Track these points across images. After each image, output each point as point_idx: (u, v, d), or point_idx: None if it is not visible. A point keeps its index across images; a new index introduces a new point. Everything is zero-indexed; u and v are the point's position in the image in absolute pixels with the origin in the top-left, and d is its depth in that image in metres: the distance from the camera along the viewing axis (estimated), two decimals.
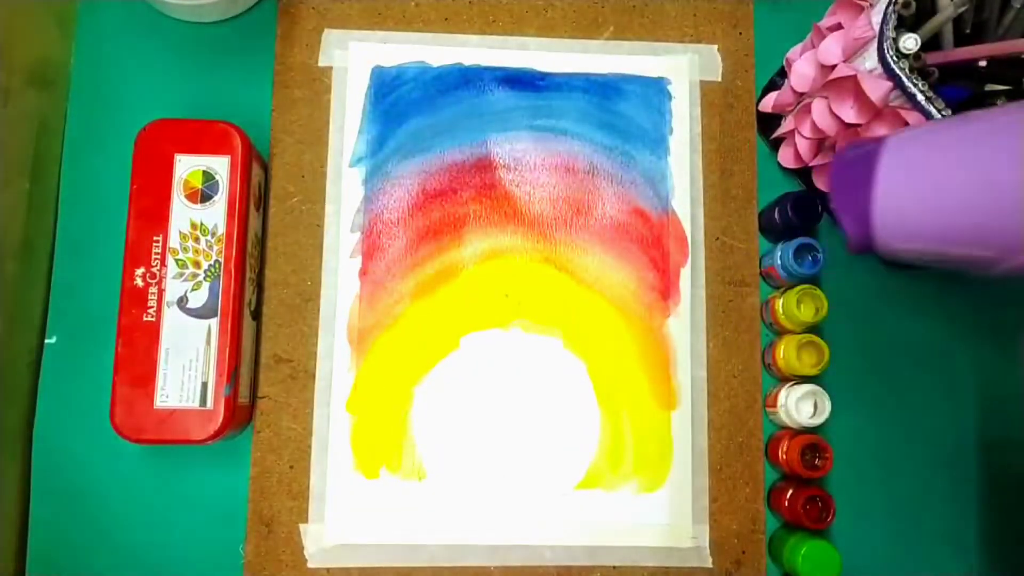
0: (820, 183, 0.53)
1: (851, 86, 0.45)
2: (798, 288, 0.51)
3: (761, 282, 0.55)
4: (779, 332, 0.54)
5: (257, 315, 0.52)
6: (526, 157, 0.55)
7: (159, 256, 0.48)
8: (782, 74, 0.55)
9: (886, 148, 0.36)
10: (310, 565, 0.50)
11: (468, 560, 0.51)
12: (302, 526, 0.50)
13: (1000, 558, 0.53)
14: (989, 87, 0.47)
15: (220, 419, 0.47)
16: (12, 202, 0.50)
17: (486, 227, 0.54)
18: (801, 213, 0.51)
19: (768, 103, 0.54)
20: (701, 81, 0.57)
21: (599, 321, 0.53)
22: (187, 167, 0.49)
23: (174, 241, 0.48)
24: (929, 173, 0.34)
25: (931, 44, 0.44)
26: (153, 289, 0.47)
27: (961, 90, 0.46)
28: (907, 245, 0.36)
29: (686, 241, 0.54)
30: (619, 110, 0.56)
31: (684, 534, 0.51)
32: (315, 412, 0.52)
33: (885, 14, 0.42)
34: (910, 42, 0.42)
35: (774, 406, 0.52)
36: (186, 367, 0.47)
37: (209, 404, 0.47)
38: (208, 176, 0.49)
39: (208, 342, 0.47)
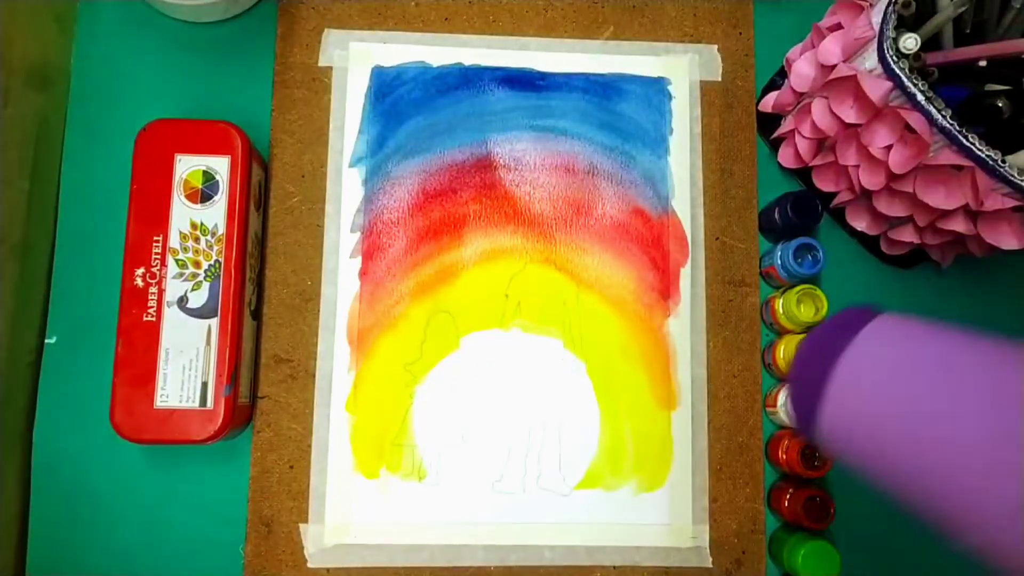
0: (820, 183, 0.53)
1: (851, 86, 0.45)
2: (798, 288, 0.51)
3: (761, 282, 0.55)
4: (779, 332, 0.54)
5: (257, 315, 0.52)
6: (526, 157, 0.55)
7: (159, 256, 0.48)
8: (782, 74, 0.55)
9: (869, 324, 0.32)
10: (310, 565, 0.50)
11: (468, 560, 0.51)
12: (302, 526, 0.50)
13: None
14: (989, 87, 0.47)
15: (220, 419, 0.47)
16: (12, 202, 0.50)
17: (486, 227, 0.54)
18: (801, 213, 0.51)
19: (768, 103, 0.54)
20: (701, 81, 0.57)
21: (599, 321, 0.53)
22: (187, 167, 0.49)
23: (174, 241, 0.48)
24: (899, 372, 0.30)
25: (931, 44, 0.45)
26: (153, 289, 0.47)
27: (961, 90, 0.46)
28: (845, 437, 0.32)
29: (686, 241, 0.54)
30: (619, 110, 0.56)
31: (684, 534, 0.51)
32: (315, 412, 0.52)
33: (885, 14, 0.42)
34: (910, 42, 0.42)
35: (774, 406, 0.52)
36: (186, 367, 0.47)
37: (209, 404, 0.47)
38: (208, 176, 0.49)
39: (208, 342, 0.47)
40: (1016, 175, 0.41)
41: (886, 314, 0.32)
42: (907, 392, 0.28)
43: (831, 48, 0.46)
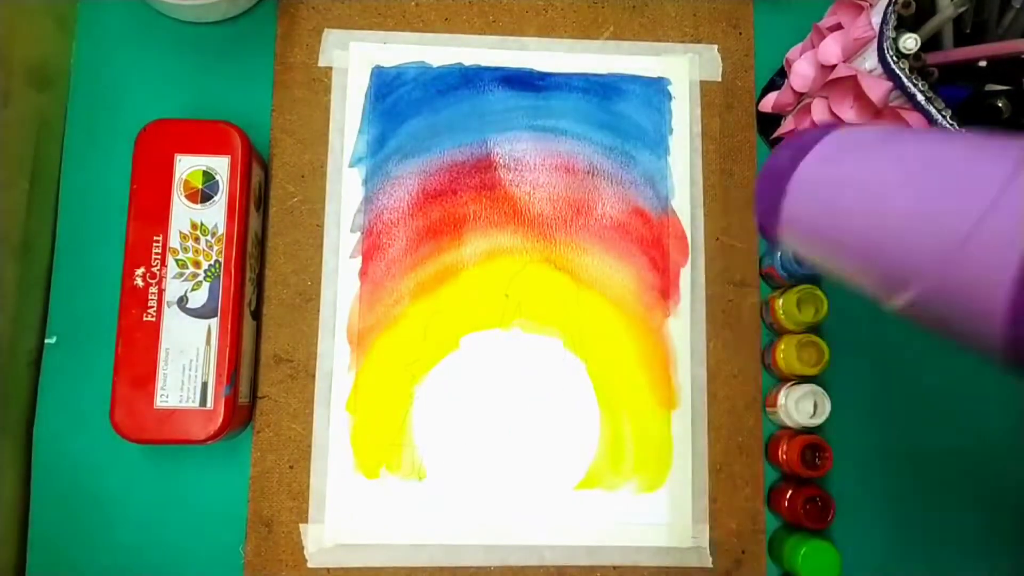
0: None
1: (851, 86, 0.45)
2: (798, 288, 0.51)
3: (761, 282, 0.55)
4: (779, 332, 0.54)
5: (257, 315, 0.52)
6: (526, 157, 0.55)
7: (159, 256, 0.48)
8: (782, 74, 0.55)
9: (826, 136, 0.34)
10: (310, 565, 0.50)
11: (468, 560, 0.51)
12: (302, 526, 0.50)
13: (1000, 558, 0.53)
14: (989, 87, 0.47)
15: (220, 419, 0.47)
16: (12, 202, 0.50)
17: (486, 227, 0.54)
18: None
19: (768, 103, 0.54)
20: (701, 81, 0.57)
21: (599, 321, 0.53)
22: (187, 167, 0.49)
23: (174, 241, 0.48)
24: (842, 177, 0.32)
25: (931, 44, 0.44)
26: (153, 289, 0.48)
27: (961, 90, 0.46)
28: (803, 244, 0.35)
29: (686, 241, 0.54)
30: (619, 110, 0.56)
31: (684, 534, 0.51)
32: (315, 412, 0.52)
33: (885, 14, 0.42)
34: (910, 42, 0.42)
35: (774, 406, 0.52)
36: (186, 367, 0.47)
37: (209, 404, 0.47)
38: (208, 176, 0.49)
39: (208, 342, 0.47)
40: None
41: (845, 127, 0.35)
42: (855, 171, 0.31)
43: (831, 48, 0.46)
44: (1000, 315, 0.24)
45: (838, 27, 0.47)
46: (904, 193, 0.29)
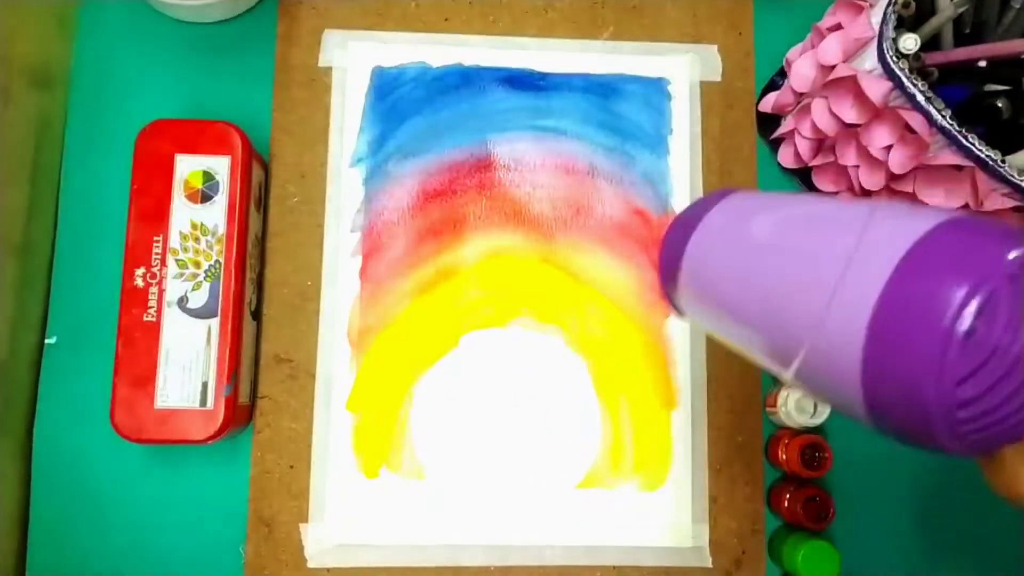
0: (820, 183, 0.53)
1: (851, 86, 0.45)
2: None
3: None
4: None
5: (257, 315, 0.52)
6: (526, 157, 0.55)
7: (159, 256, 0.48)
8: (782, 74, 0.55)
9: (723, 199, 0.35)
10: (310, 565, 0.50)
11: (468, 560, 0.51)
12: (302, 526, 0.50)
13: (999, 558, 0.53)
14: (989, 87, 0.47)
15: (220, 419, 0.47)
16: (12, 202, 0.50)
17: (486, 227, 0.54)
18: None
19: (768, 103, 0.54)
20: (701, 81, 0.57)
21: (599, 321, 0.53)
22: (187, 167, 0.49)
23: (174, 241, 0.48)
24: (748, 233, 0.32)
25: (931, 44, 0.45)
26: (153, 289, 0.48)
27: (961, 90, 0.46)
28: (698, 298, 0.34)
29: None
30: (619, 110, 0.56)
31: (684, 533, 0.51)
32: (315, 412, 0.52)
33: (885, 14, 0.42)
34: (910, 42, 0.42)
35: (774, 406, 0.52)
36: (186, 367, 0.47)
37: (209, 404, 0.47)
38: (208, 176, 0.49)
39: (208, 342, 0.47)
40: (1016, 175, 0.41)
41: (740, 190, 0.36)
42: (745, 237, 0.32)
43: (831, 48, 0.46)
44: (855, 385, 0.25)
45: (838, 27, 0.47)
46: (774, 263, 0.29)
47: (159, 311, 0.47)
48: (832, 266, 0.26)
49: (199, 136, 0.49)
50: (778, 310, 0.28)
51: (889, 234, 0.25)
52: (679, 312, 0.37)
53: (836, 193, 0.51)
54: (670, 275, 0.35)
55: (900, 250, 0.24)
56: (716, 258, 0.33)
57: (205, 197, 0.49)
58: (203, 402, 0.47)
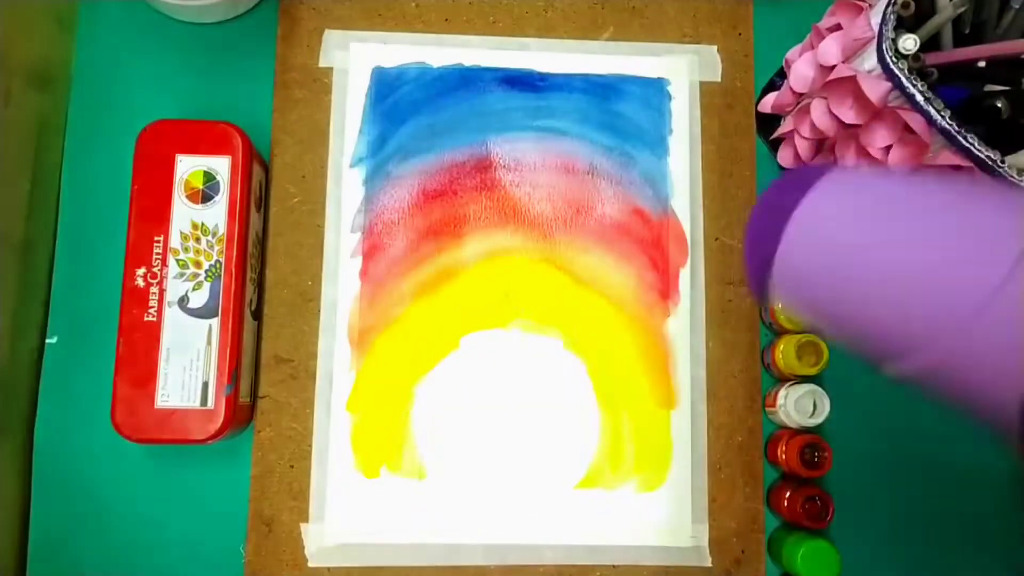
0: None
1: (850, 87, 0.45)
2: None
3: None
4: (778, 332, 0.54)
5: (258, 315, 0.52)
6: (526, 157, 0.55)
7: (160, 256, 0.48)
8: (781, 75, 0.55)
9: (821, 179, 0.32)
10: (311, 564, 0.50)
11: (468, 560, 0.51)
12: (303, 525, 0.50)
13: (999, 558, 0.53)
14: (988, 87, 0.47)
15: (221, 419, 0.47)
16: (13, 202, 0.50)
17: (486, 227, 0.54)
18: None
19: (767, 103, 0.54)
20: (701, 82, 0.57)
21: (599, 321, 0.53)
22: (188, 167, 0.49)
23: (175, 241, 0.48)
24: (852, 219, 0.30)
25: (930, 45, 0.45)
26: (154, 289, 0.48)
27: (960, 90, 0.46)
28: (797, 293, 0.32)
29: (686, 241, 0.55)
30: (619, 110, 0.56)
31: (684, 533, 0.51)
32: (315, 412, 0.52)
33: (884, 15, 0.42)
34: (909, 43, 0.42)
35: (773, 406, 0.52)
36: (187, 367, 0.47)
37: (210, 404, 0.47)
38: (209, 176, 0.49)
39: (209, 342, 0.47)
40: (1016, 175, 0.41)
41: (838, 168, 0.33)
42: (860, 230, 0.30)
43: (830, 49, 0.46)
44: (1018, 394, 0.23)
45: (837, 28, 0.47)
46: (914, 256, 0.27)
47: (160, 311, 0.47)
48: (994, 263, 0.24)
49: (200, 136, 0.49)
50: (908, 302, 0.26)
51: None
52: (764, 299, 0.34)
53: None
54: (761, 264, 0.32)
55: None
56: (830, 248, 0.30)
57: (206, 197, 0.49)
58: (204, 402, 0.47)
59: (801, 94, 0.51)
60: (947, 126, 0.41)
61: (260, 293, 0.53)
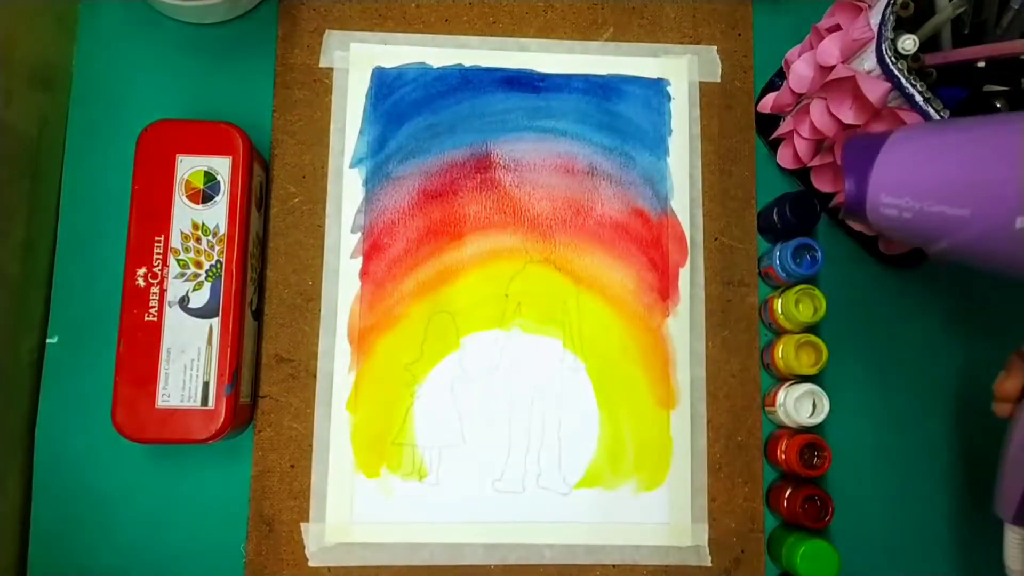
0: (819, 183, 0.53)
1: (850, 87, 0.45)
2: (797, 288, 0.51)
3: (760, 282, 0.55)
4: (778, 332, 0.54)
5: (258, 315, 0.52)
6: (526, 158, 0.55)
7: (160, 256, 0.48)
8: (781, 75, 0.55)
9: (899, 130, 0.39)
10: (311, 564, 0.50)
11: (468, 559, 0.51)
12: (303, 525, 0.51)
13: (998, 558, 0.53)
14: (988, 88, 0.47)
15: (221, 418, 0.47)
16: (14, 202, 0.50)
17: (486, 227, 0.54)
18: (800, 213, 0.51)
19: (767, 104, 0.54)
20: (700, 82, 0.57)
21: (599, 321, 0.53)
22: (188, 167, 0.49)
23: (175, 241, 0.48)
24: (930, 147, 0.38)
25: (929, 45, 0.45)
26: (155, 289, 0.48)
27: (960, 91, 0.46)
28: (893, 199, 0.39)
29: (685, 241, 0.55)
30: (618, 111, 0.56)
31: (683, 533, 0.52)
32: (316, 412, 0.52)
33: (883, 15, 0.42)
34: (908, 43, 0.42)
35: (773, 405, 0.52)
36: (187, 367, 0.47)
37: (210, 404, 0.47)
38: (209, 176, 0.49)
39: (209, 342, 0.48)
40: None
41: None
42: (960, 141, 0.37)
43: (829, 49, 0.46)
44: None
45: (837, 28, 0.47)
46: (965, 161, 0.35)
47: (160, 311, 0.47)
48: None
49: (200, 137, 0.49)
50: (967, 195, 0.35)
51: None
52: (862, 197, 0.39)
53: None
54: (860, 178, 0.39)
55: None
56: (927, 143, 0.38)
57: (206, 197, 0.49)
58: (204, 402, 0.47)
59: (800, 94, 0.51)
60: None
61: (261, 293, 0.53)
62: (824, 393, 0.51)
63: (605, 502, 0.52)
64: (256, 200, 0.52)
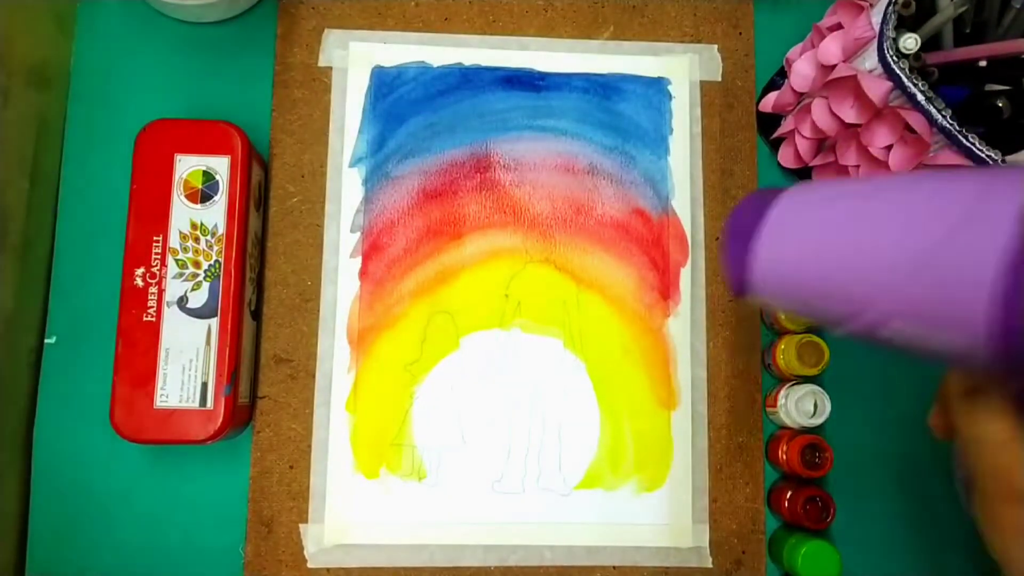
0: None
1: (851, 86, 0.45)
2: None
3: None
4: (779, 332, 0.54)
5: (257, 315, 0.52)
6: (526, 157, 0.55)
7: (159, 256, 0.48)
8: (782, 74, 0.55)
9: (784, 194, 0.36)
10: (310, 565, 0.50)
11: (468, 560, 0.51)
12: (302, 526, 0.50)
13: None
14: (989, 87, 0.47)
15: (220, 419, 0.47)
16: (12, 202, 0.50)
17: (486, 227, 0.54)
18: None
19: (768, 103, 0.54)
20: (701, 81, 0.57)
21: (599, 321, 0.53)
22: (187, 167, 0.49)
23: (174, 241, 0.48)
24: (815, 221, 0.34)
25: (931, 44, 0.45)
26: (153, 289, 0.48)
27: (961, 90, 0.46)
28: (777, 288, 0.36)
29: (686, 241, 0.54)
30: (619, 110, 0.56)
31: (684, 534, 0.51)
32: (315, 412, 0.52)
33: (885, 14, 0.42)
34: (910, 42, 0.42)
35: (774, 406, 0.52)
36: (186, 367, 0.47)
37: (209, 404, 0.47)
38: (208, 176, 0.49)
39: (208, 342, 0.47)
40: None
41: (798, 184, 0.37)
42: (832, 222, 0.33)
43: (831, 48, 0.46)
44: (983, 310, 0.26)
45: (838, 27, 0.47)
46: (862, 233, 0.31)
47: (159, 311, 0.47)
48: (951, 210, 0.27)
49: (199, 136, 0.49)
50: (863, 270, 0.30)
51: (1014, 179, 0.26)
52: (745, 291, 0.37)
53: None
54: (742, 249, 0.35)
55: None
56: (804, 228, 0.34)
57: (205, 197, 0.49)
58: (203, 402, 0.47)
59: (802, 93, 0.51)
60: (948, 126, 0.41)
61: (259, 293, 0.53)
62: (826, 394, 0.50)
63: (605, 503, 0.51)
64: (255, 200, 0.52)
